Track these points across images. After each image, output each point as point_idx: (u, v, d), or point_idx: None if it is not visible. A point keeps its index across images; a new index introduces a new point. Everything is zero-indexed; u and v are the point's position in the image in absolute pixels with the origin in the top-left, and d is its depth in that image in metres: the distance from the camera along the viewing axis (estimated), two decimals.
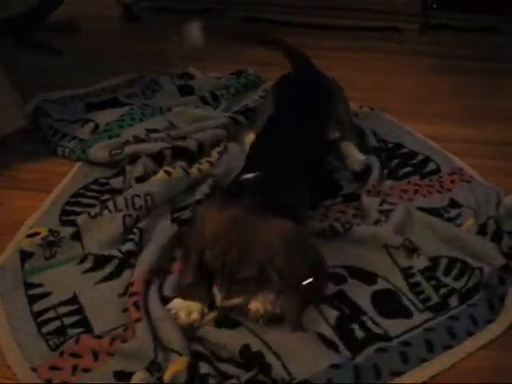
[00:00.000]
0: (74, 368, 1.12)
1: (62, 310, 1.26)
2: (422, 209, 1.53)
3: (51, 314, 1.25)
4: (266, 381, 1.10)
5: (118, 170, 1.72)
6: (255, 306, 1.18)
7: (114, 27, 2.98)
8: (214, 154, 1.76)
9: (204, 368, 1.10)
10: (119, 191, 1.59)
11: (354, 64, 2.52)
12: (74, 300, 1.28)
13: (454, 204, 1.58)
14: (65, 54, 2.56)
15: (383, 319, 1.23)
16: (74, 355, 1.14)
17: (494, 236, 1.42)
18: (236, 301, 1.17)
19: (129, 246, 1.37)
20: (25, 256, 1.37)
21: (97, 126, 1.94)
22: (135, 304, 1.19)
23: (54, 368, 1.12)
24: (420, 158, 1.78)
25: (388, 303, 1.27)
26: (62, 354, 1.14)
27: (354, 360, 1.14)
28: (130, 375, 1.09)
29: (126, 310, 1.22)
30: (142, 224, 1.45)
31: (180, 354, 1.11)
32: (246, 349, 1.13)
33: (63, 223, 1.51)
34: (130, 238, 1.40)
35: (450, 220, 1.52)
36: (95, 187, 1.66)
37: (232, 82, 2.22)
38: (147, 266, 1.30)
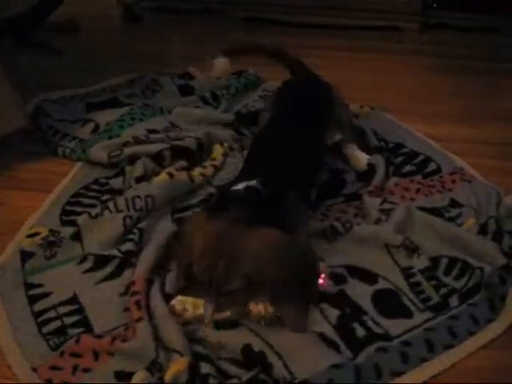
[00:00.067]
0: (75, 368, 1.12)
1: (63, 309, 1.26)
2: (423, 208, 1.53)
3: (51, 314, 1.25)
4: (267, 380, 1.10)
5: (118, 170, 1.71)
6: (256, 307, 1.17)
7: (114, 27, 2.98)
8: (219, 156, 1.76)
9: (205, 368, 1.10)
10: (119, 191, 1.59)
11: (354, 64, 2.52)
12: (74, 300, 1.28)
13: (454, 204, 1.58)
14: (65, 54, 2.56)
15: (384, 319, 1.23)
16: (75, 355, 1.14)
17: (495, 236, 1.42)
18: (226, 314, 1.16)
19: (128, 246, 1.37)
20: (25, 256, 1.37)
21: (97, 126, 1.94)
22: (137, 303, 1.19)
23: (54, 368, 1.12)
24: (421, 157, 1.78)
25: (388, 303, 1.27)
26: (62, 353, 1.14)
27: (354, 360, 1.14)
28: (130, 375, 1.09)
29: (126, 310, 1.22)
30: (142, 224, 1.45)
31: (181, 354, 1.11)
32: (247, 348, 1.13)
33: (63, 223, 1.51)
34: (130, 238, 1.40)
35: (451, 220, 1.52)
36: (96, 187, 1.66)
37: (232, 81, 2.22)
38: (148, 265, 1.30)
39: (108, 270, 1.33)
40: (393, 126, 1.96)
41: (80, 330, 1.20)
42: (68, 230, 1.44)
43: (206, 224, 1.16)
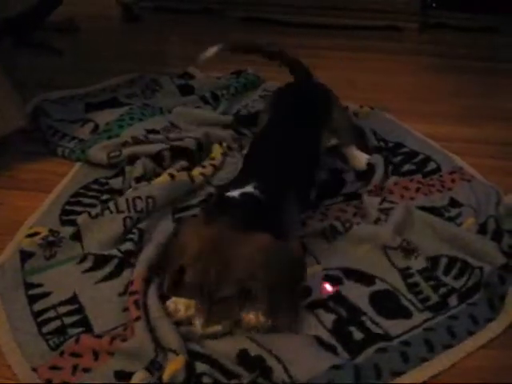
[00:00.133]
0: (74, 368, 1.12)
1: (62, 309, 1.26)
2: (422, 208, 1.53)
3: (51, 314, 1.24)
4: None
5: (117, 170, 1.71)
6: (248, 317, 1.17)
7: (114, 27, 2.98)
8: (218, 155, 1.76)
9: (201, 366, 1.10)
10: (119, 191, 1.60)
11: (354, 63, 2.52)
12: (74, 300, 1.28)
13: (454, 203, 1.58)
14: (65, 54, 2.57)
15: (383, 319, 1.23)
16: (74, 355, 1.14)
17: (494, 235, 1.42)
18: (217, 328, 1.14)
19: (128, 246, 1.37)
20: (25, 256, 1.37)
21: (97, 126, 1.94)
22: (135, 303, 1.19)
23: (54, 368, 1.12)
24: (421, 157, 1.78)
25: (387, 304, 1.27)
26: (62, 353, 1.14)
27: (354, 360, 1.13)
28: (130, 375, 1.09)
29: (126, 310, 1.22)
30: (142, 225, 1.46)
31: (177, 353, 1.11)
32: (243, 353, 1.13)
33: (63, 223, 1.51)
34: (130, 237, 1.40)
35: (451, 219, 1.51)
36: (95, 187, 1.66)
37: (232, 81, 2.22)
38: (147, 265, 1.30)
39: (107, 269, 1.33)
40: (392, 125, 1.96)
41: (80, 329, 1.20)
42: (68, 230, 1.44)
43: (199, 229, 1.15)
